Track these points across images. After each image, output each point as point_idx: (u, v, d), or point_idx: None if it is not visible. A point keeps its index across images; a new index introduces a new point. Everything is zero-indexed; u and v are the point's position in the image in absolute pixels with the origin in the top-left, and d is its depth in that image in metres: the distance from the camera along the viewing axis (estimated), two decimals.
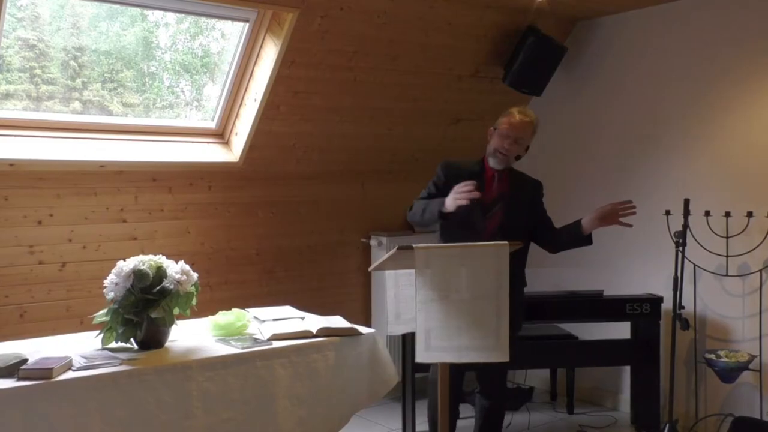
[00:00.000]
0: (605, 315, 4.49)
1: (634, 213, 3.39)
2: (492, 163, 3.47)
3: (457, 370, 3.35)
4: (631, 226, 3.45)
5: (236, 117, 4.37)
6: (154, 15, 4.17)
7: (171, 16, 4.22)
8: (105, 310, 2.74)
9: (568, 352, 4.64)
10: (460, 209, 3.20)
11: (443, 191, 3.37)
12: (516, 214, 3.47)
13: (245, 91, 4.28)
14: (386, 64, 4.48)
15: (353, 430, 3.67)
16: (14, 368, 2.37)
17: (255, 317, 3.23)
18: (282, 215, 4.70)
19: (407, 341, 4.25)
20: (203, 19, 4.23)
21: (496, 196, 3.47)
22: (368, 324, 4.85)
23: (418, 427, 4.41)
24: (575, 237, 3.49)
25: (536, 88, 4.97)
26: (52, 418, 2.30)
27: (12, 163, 3.66)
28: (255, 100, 4.21)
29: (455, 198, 3.15)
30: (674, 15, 4.54)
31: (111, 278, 2.73)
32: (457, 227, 3.37)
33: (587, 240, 3.52)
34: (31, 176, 3.77)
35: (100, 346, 2.72)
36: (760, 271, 4.15)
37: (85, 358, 2.55)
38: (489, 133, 3.52)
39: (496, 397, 3.60)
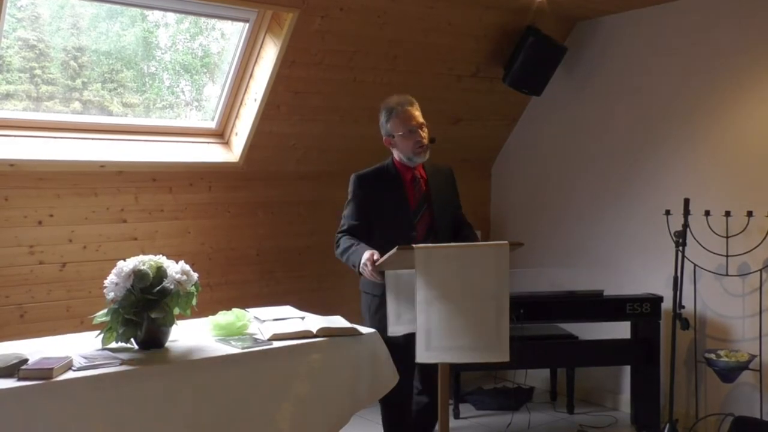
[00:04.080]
0: (605, 315, 4.49)
1: None
2: (418, 161, 3.37)
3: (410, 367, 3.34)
4: None
5: (236, 117, 4.37)
6: (154, 15, 4.17)
7: (171, 17, 4.22)
8: (105, 310, 2.73)
9: (568, 352, 4.64)
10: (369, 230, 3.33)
11: (368, 207, 3.34)
12: (443, 211, 3.43)
13: (245, 91, 4.28)
14: (386, 64, 4.48)
15: (353, 430, 3.66)
16: (14, 368, 2.37)
17: (255, 317, 3.23)
18: (282, 215, 4.70)
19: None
20: (203, 19, 4.23)
21: (420, 198, 3.40)
22: None
23: None
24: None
25: (536, 88, 4.97)
26: (53, 418, 2.30)
27: (12, 164, 3.66)
28: (255, 100, 4.22)
29: (364, 272, 3.15)
30: (674, 14, 4.54)
31: (111, 278, 2.73)
32: (389, 238, 3.27)
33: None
34: (31, 176, 3.77)
35: (100, 346, 2.72)
36: (760, 270, 4.15)
37: (86, 358, 2.55)
38: (387, 142, 3.39)
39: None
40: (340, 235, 3.41)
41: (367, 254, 3.12)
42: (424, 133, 3.35)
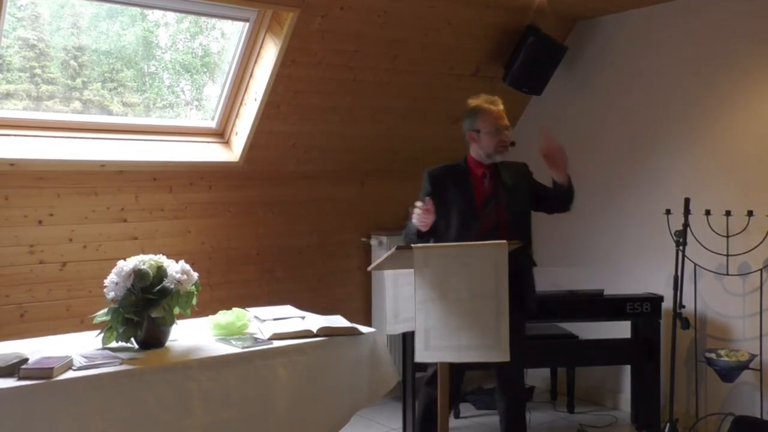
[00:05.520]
0: (605, 314, 4.49)
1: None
2: (498, 159, 3.45)
3: (458, 369, 3.36)
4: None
5: (236, 116, 4.37)
6: (154, 15, 4.17)
7: (171, 16, 4.22)
8: (105, 310, 2.74)
9: (569, 352, 4.63)
10: (433, 223, 3.29)
11: (437, 203, 3.36)
12: (515, 206, 3.47)
13: (245, 90, 4.28)
14: (386, 63, 4.48)
15: (353, 430, 3.67)
16: (15, 368, 2.37)
17: (255, 317, 3.23)
18: (282, 215, 4.70)
19: (407, 341, 4.25)
20: (203, 18, 4.23)
21: (490, 194, 3.45)
22: (368, 323, 4.85)
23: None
24: (561, 191, 3.53)
25: (536, 87, 4.97)
26: (53, 417, 2.31)
27: (12, 163, 3.66)
28: (255, 99, 4.22)
29: (414, 217, 3.19)
30: (674, 14, 4.54)
31: (111, 278, 2.73)
32: (455, 230, 3.37)
33: (569, 188, 3.55)
34: (31, 176, 3.77)
35: (100, 345, 2.73)
36: (761, 270, 4.15)
37: (86, 357, 2.55)
38: (470, 137, 3.47)
39: (519, 394, 3.56)
40: (408, 222, 3.49)
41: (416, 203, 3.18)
42: (509, 135, 3.46)
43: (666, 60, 4.61)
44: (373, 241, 4.99)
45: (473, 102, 3.49)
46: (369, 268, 3.31)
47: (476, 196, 3.42)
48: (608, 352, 4.58)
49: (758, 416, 4.13)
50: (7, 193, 3.71)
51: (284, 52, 4.03)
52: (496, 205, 3.43)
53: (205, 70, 4.49)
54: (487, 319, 2.79)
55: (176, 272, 2.77)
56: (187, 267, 2.83)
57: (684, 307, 4.11)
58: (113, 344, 2.73)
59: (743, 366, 4.05)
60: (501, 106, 3.46)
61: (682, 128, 4.54)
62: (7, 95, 3.79)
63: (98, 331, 2.76)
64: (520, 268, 3.35)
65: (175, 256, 2.93)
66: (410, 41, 4.44)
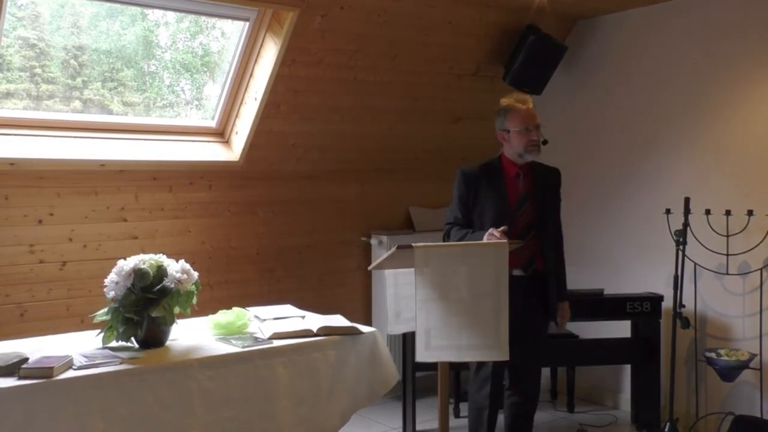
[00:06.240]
0: (606, 314, 4.49)
1: None
2: (529, 158, 3.42)
3: (499, 366, 3.38)
4: None
5: (236, 116, 4.37)
6: (155, 14, 4.17)
7: (171, 15, 4.22)
8: (105, 309, 2.74)
9: (569, 351, 4.64)
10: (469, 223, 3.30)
11: (471, 203, 3.40)
12: (545, 210, 3.46)
13: (245, 90, 4.28)
14: (386, 63, 4.48)
15: (353, 429, 3.67)
16: (15, 367, 2.37)
17: (255, 316, 3.23)
18: (282, 214, 4.70)
19: (407, 341, 4.25)
20: (203, 18, 4.23)
21: (524, 194, 3.42)
22: (368, 323, 4.85)
23: (418, 426, 4.41)
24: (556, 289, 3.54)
25: (536, 87, 4.96)
26: (53, 416, 2.31)
27: (12, 162, 3.66)
28: (255, 99, 4.22)
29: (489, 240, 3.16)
30: (674, 13, 4.54)
31: (111, 277, 2.73)
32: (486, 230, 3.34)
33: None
34: (31, 175, 3.77)
35: (100, 345, 2.73)
36: (761, 269, 4.15)
37: (86, 357, 2.56)
38: (501, 137, 3.43)
39: (528, 394, 3.54)
40: (448, 226, 3.48)
41: (490, 230, 3.16)
42: (539, 134, 3.42)
43: (666, 59, 4.61)
44: (373, 241, 4.99)
45: (504, 102, 3.47)
46: (369, 268, 3.32)
47: (510, 196, 3.40)
48: (608, 351, 4.58)
49: (758, 416, 4.13)
50: (7, 192, 3.71)
51: (284, 52, 4.03)
52: (530, 205, 3.41)
53: (205, 69, 4.49)
54: (487, 318, 2.79)
55: (176, 271, 2.77)
56: (187, 266, 2.83)
57: (684, 306, 4.12)
58: (113, 344, 2.73)
59: (743, 365, 4.05)
60: (531, 105, 3.41)
61: (682, 128, 4.54)
62: (7, 95, 3.79)
63: (98, 330, 2.76)
64: (551, 269, 3.41)
65: (175, 256, 2.93)
66: (410, 41, 4.44)
